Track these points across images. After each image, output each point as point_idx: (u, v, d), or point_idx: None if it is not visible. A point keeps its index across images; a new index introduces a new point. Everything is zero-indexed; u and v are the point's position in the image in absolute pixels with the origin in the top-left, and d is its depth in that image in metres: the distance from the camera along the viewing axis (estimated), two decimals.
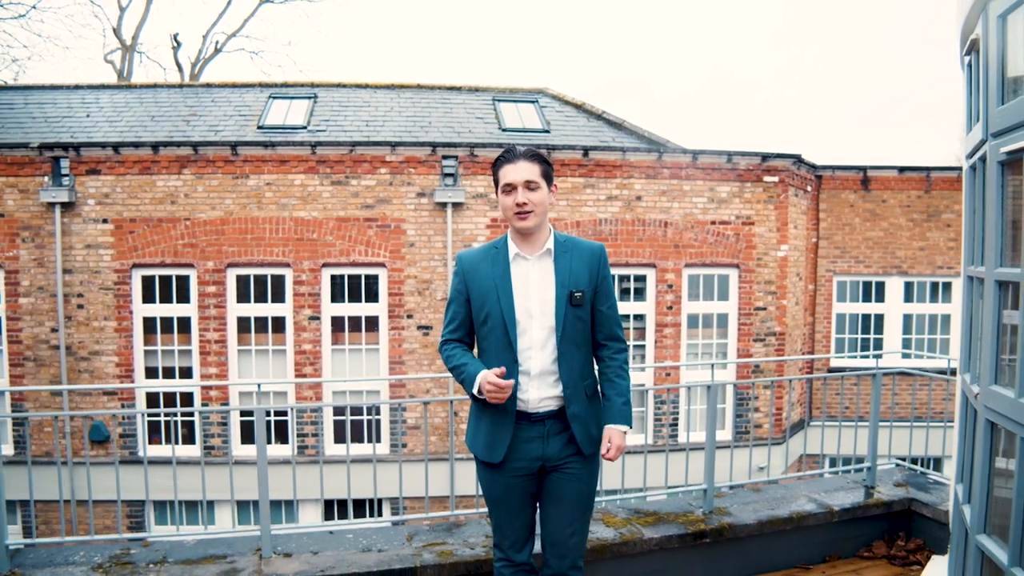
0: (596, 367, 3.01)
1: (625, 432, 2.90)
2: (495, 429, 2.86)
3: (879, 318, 13.38)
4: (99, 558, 3.83)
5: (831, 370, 12.89)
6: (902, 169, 13.09)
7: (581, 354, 2.88)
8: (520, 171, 2.78)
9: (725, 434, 11.52)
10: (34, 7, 29.15)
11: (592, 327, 2.93)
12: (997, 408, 2.47)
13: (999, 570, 2.40)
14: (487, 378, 2.70)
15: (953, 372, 4.78)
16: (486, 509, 4.50)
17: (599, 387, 2.99)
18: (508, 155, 2.83)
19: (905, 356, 12.07)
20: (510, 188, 2.80)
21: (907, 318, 13.34)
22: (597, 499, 3.78)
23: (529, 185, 2.78)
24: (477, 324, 2.92)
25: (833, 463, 11.09)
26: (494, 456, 2.86)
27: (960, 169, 10.14)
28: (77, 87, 15.16)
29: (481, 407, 2.92)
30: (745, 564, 4.33)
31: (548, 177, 2.85)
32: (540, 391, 2.83)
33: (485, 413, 2.90)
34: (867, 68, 53.79)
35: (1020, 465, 2.27)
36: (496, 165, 2.86)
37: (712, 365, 5.37)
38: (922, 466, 5.49)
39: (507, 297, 2.82)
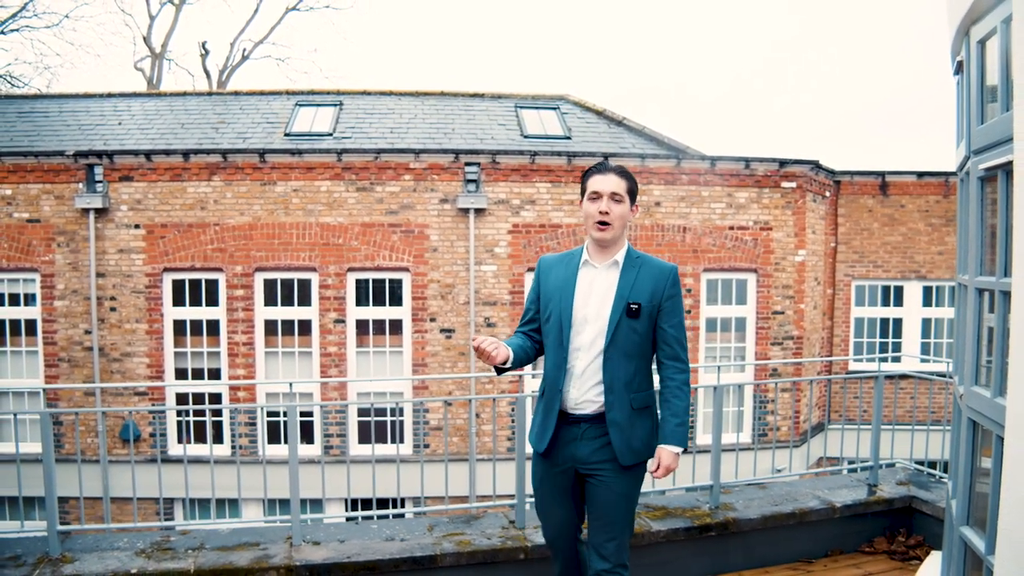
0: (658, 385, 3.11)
1: (678, 453, 2.98)
2: (544, 420, 3.04)
3: (898, 322, 13.41)
4: (141, 544, 4.08)
5: (849, 373, 12.95)
6: (921, 174, 13.10)
7: (632, 365, 2.98)
8: (609, 182, 2.95)
9: (744, 436, 11.63)
10: (67, 16, 29.91)
11: (654, 344, 3.04)
12: (977, 407, 2.63)
13: (979, 559, 2.57)
14: (479, 340, 2.82)
15: (951, 376, 4.90)
16: (503, 503, 4.73)
17: (657, 405, 3.11)
18: (600, 167, 3.00)
19: (924, 360, 12.11)
20: (596, 196, 2.95)
21: (926, 322, 13.34)
22: None
23: (614, 197, 2.94)
24: (542, 321, 3.10)
25: (852, 464, 11.15)
26: (540, 445, 3.04)
27: None
28: (109, 95, 15.44)
29: (539, 398, 3.12)
30: (749, 557, 4.48)
31: (632, 195, 3.00)
32: (579, 392, 2.97)
33: (540, 404, 3.10)
34: (883, 73, 53.32)
35: (996, 461, 2.42)
36: (587, 175, 3.02)
37: (718, 367, 5.54)
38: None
39: (568, 299, 2.99)
